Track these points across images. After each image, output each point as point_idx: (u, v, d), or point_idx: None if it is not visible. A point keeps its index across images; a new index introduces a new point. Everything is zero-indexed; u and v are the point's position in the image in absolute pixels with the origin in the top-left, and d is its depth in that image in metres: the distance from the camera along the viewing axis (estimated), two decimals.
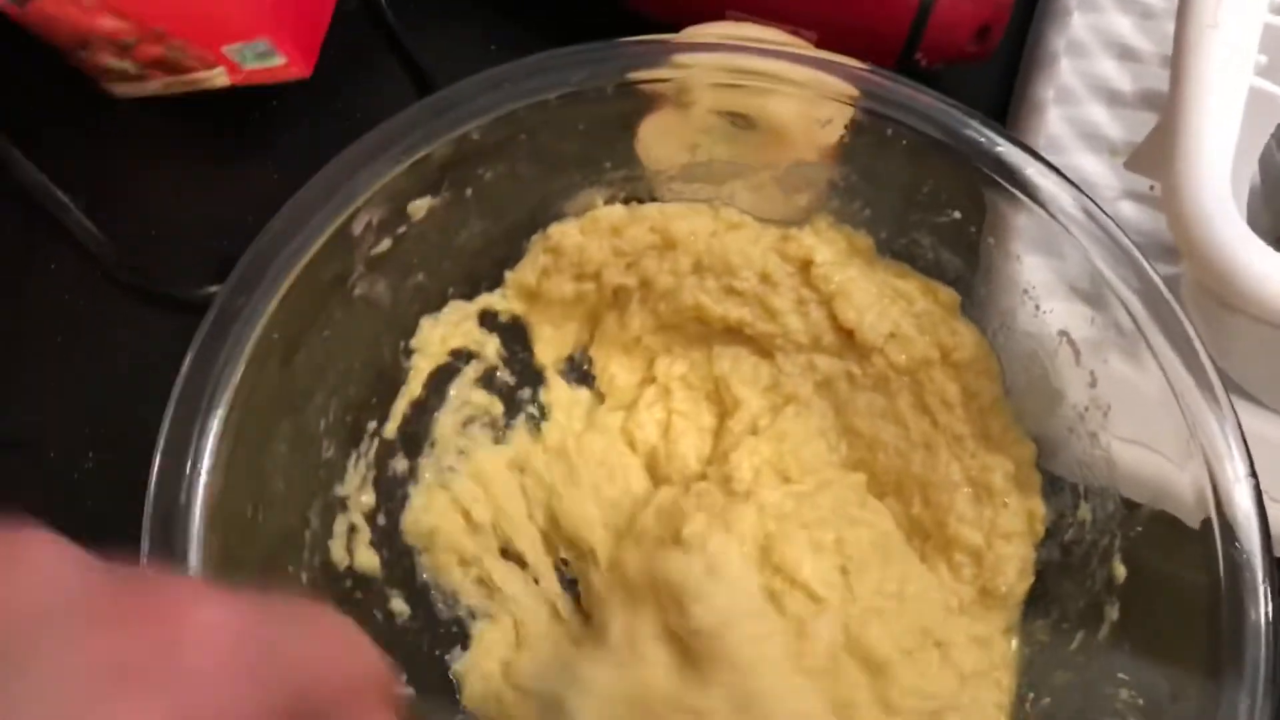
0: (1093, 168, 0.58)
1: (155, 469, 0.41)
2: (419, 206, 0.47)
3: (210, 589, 0.26)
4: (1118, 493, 0.48)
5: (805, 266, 0.53)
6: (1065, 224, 0.46)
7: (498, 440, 0.54)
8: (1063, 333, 0.49)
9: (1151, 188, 0.55)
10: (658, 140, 0.52)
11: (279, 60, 0.55)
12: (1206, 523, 0.43)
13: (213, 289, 0.52)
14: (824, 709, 0.46)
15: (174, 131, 0.61)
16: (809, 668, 0.46)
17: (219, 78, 0.57)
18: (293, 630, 0.28)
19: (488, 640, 0.52)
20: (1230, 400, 0.44)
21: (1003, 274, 0.50)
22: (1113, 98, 0.60)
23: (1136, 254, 0.46)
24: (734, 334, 0.54)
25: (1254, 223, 0.45)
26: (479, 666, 0.51)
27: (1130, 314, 0.45)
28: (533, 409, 0.55)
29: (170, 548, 0.41)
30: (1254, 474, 0.43)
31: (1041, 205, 0.46)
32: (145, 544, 0.41)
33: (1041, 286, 0.49)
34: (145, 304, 0.58)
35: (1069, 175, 0.47)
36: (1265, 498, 0.43)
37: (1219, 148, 0.43)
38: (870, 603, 0.49)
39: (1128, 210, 0.57)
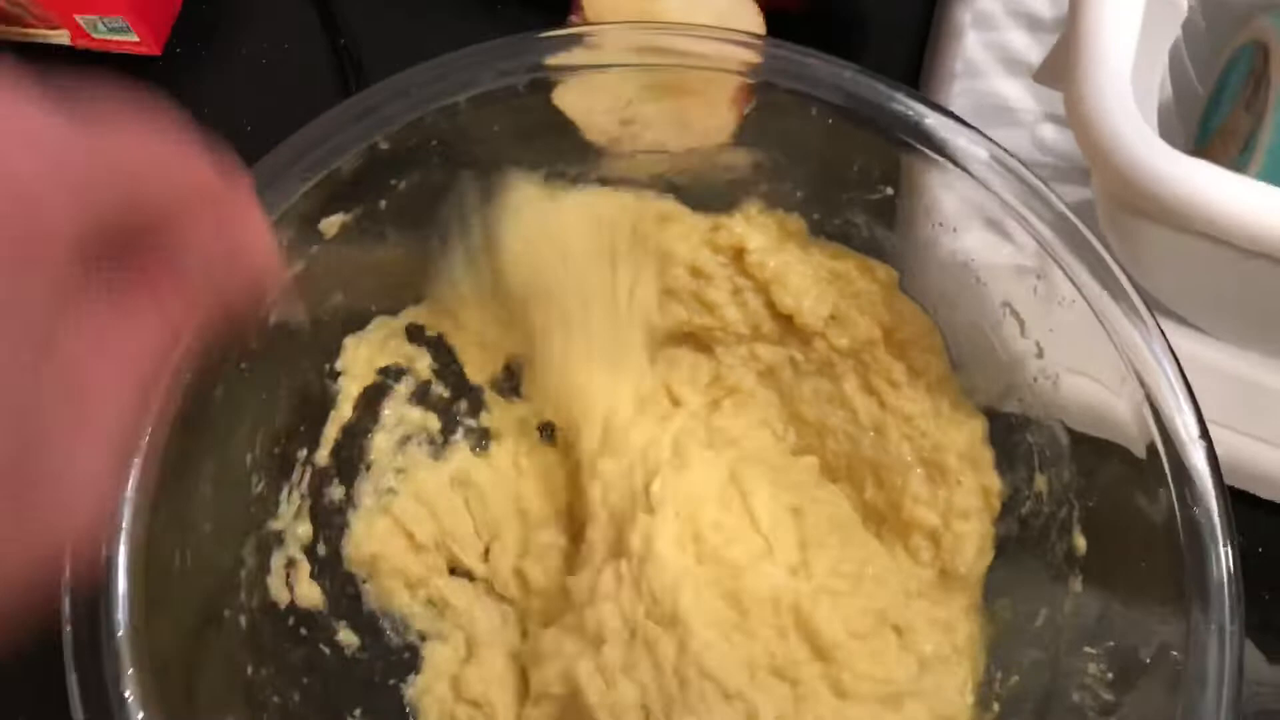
0: (1012, 92, 0.57)
1: None
2: (331, 224, 0.45)
3: (27, 95, 0.24)
4: (1068, 452, 0.47)
5: (739, 255, 0.51)
6: (966, 166, 0.45)
7: (437, 457, 0.53)
8: (969, 266, 0.47)
9: None
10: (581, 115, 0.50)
11: (131, 37, 0.54)
12: (1152, 449, 0.42)
13: None
14: (764, 671, 0.46)
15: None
16: (746, 628, 0.46)
17: (59, 37, 0.55)
18: (121, 139, 0.26)
19: (437, 660, 0.51)
20: (1154, 317, 0.43)
21: (916, 228, 0.49)
22: (1033, 22, 0.59)
23: (1039, 184, 0.45)
24: (670, 335, 0.53)
25: (1168, 134, 0.44)
26: (432, 690, 0.50)
27: (1041, 244, 0.44)
28: (472, 422, 0.53)
29: (93, 604, 0.39)
30: (1189, 389, 0.42)
31: (943, 154, 0.45)
32: (66, 603, 0.39)
33: (953, 216, 0.48)
34: None
35: (989, 99, 0.46)
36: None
37: (1120, 51, 0.42)
38: (825, 582, 0.48)
39: (1049, 134, 0.56)
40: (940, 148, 0.45)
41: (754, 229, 0.51)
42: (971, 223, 0.47)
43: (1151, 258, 0.48)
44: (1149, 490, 0.42)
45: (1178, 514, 0.41)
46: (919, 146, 0.45)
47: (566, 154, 0.49)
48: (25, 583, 0.24)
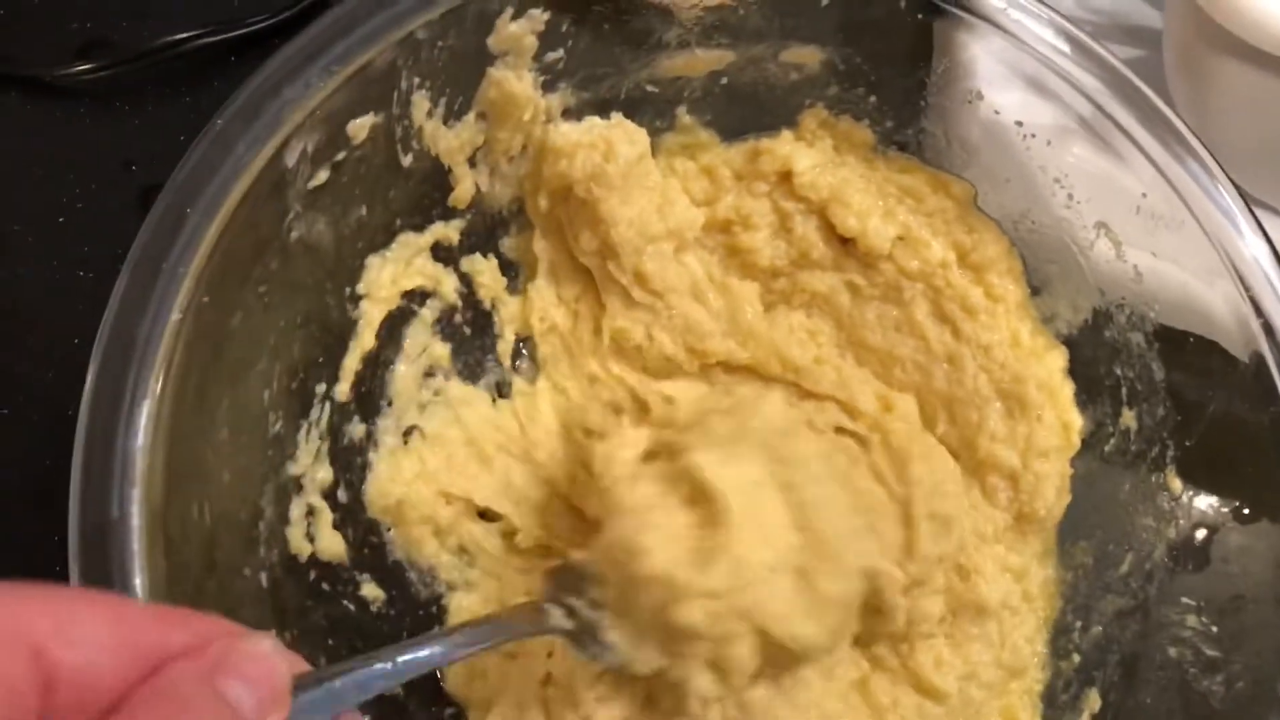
0: None
1: (75, 483, 0.33)
2: (360, 126, 0.39)
3: None
4: (1162, 386, 0.44)
5: (784, 179, 0.47)
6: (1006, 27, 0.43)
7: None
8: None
9: None
10: None
11: None
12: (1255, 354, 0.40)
13: (76, 68, 0.52)
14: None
15: None
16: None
17: None
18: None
19: (463, 612, 0.46)
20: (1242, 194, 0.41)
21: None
22: None
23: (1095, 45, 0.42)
24: None
25: None
26: None
27: (1090, 99, 0.42)
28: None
29: (107, 569, 0.33)
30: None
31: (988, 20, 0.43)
32: (75, 569, 0.33)
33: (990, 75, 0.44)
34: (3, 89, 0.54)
35: None
36: None
37: None
38: None
39: None
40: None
41: (803, 146, 0.46)
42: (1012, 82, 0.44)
43: (1222, 103, 0.46)
44: (1259, 401, 0.40)
45: None
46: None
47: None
48: None
